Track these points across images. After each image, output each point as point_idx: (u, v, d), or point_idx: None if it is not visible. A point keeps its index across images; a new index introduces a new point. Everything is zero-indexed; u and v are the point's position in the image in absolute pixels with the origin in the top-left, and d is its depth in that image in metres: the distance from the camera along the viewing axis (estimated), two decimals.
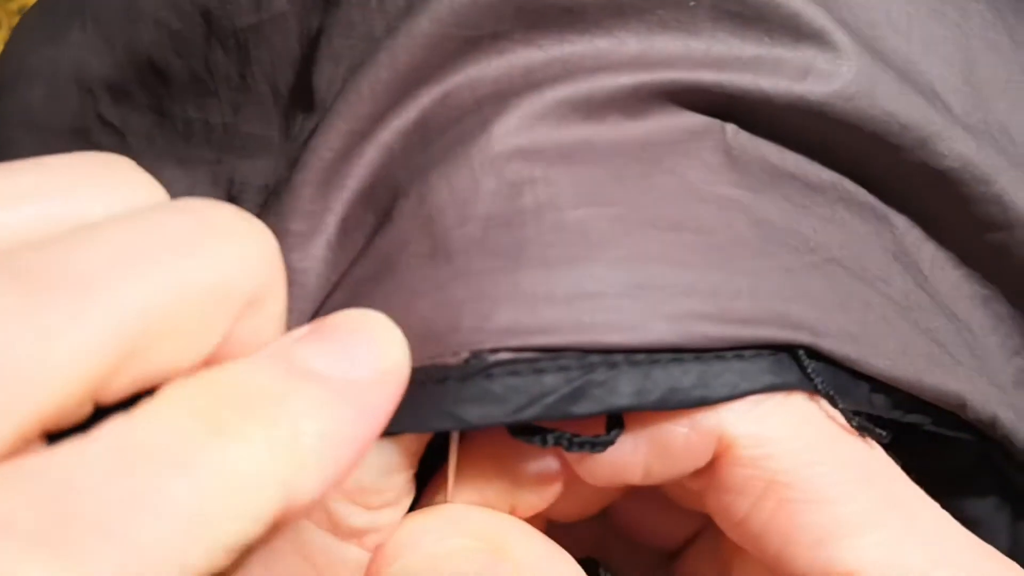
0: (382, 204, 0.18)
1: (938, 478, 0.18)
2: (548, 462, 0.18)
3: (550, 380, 0.16)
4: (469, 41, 0.18)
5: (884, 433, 0.18)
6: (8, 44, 0.27)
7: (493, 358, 0.16)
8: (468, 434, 0.18)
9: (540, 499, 0.19)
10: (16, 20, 0.50)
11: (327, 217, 0.18)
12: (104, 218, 0.14)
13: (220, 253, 0.14)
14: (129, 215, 0.14)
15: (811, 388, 0.17)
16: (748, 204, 0.18)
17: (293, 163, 0.19)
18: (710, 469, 0.18)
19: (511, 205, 0.17)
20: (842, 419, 0.17)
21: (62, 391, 0.12)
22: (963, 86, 0.20)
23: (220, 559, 0.12)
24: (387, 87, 0.18)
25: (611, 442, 0.17)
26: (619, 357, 0.16)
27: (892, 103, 0.19)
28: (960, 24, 0.21)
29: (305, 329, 0.15)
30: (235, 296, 0.14)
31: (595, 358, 0.16)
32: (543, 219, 0.17)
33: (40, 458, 0.12)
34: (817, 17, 0.19)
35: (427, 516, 0.18)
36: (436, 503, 0.19)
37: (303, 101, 0.20)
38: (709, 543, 0.21)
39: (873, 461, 0.18)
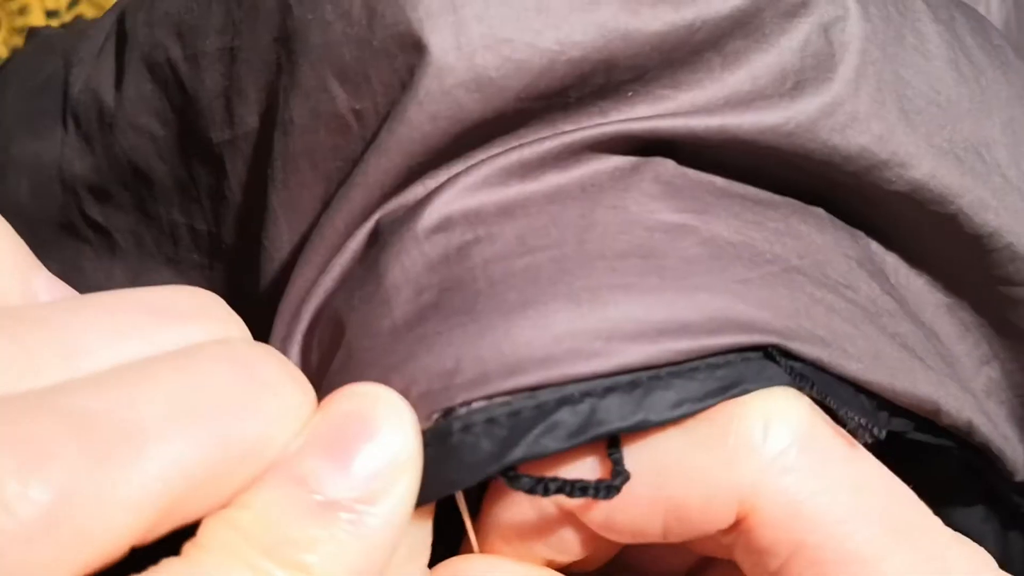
0: (344, 301, 0.19)
1: (924, 490, 0.18)
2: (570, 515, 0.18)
3: (527, 419, 0.16)
4: (430, 160, 0.19)
5: (877, 431, 0.18)
6: None
7: (465, 410, 0.16)
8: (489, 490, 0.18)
9: (571, 552, 0.18)
10: (16, 20, 0.50)
11: (293, 341, 0.19)
12: (165, 355, 0.15)
13: (264, 408, 0.15)
14: (186, 359, 0.15)
15: (789, 383, 0.17)
16: (695, 226, 0.19)
17: (273, 287, 0.20)
18: (736, 529, 0.17)
19: (460, 267, 0.18)
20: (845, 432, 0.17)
21: (104, 554, 0.13)
22: (927, 106, 0.20)
23: None
24: (355, 217, 0.19)
25: (617, 488, 0.16)
26: (593, 384, 0.16)
27: (833, 136, 0.19)
28: (918, 47, 0.21)
29: (315, 441, 0.15)
30: (274, 446, 0.15)
31: (571, 389, 0.16)
32: (491, 272, 0.17)
33: None
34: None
35: (465, 561, 0.18)
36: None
37: (282, 219, 0.21)
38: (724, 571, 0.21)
39: (902, 508, 0.17)
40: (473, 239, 0.18)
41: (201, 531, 0.14)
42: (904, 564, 0.16)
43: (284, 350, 0.19)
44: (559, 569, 0.19)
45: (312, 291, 0.19)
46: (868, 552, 0.16)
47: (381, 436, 0.15)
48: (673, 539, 0.17)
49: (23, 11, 0.52)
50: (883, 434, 0.18)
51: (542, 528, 0.18)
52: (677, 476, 0.17)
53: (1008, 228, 0.21)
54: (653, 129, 0.19)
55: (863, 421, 0.18)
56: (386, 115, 0.19)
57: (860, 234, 0.21)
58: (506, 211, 0.18)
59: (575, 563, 0.19)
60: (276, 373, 0.15)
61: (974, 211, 0.20)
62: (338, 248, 0.19)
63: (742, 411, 0.17)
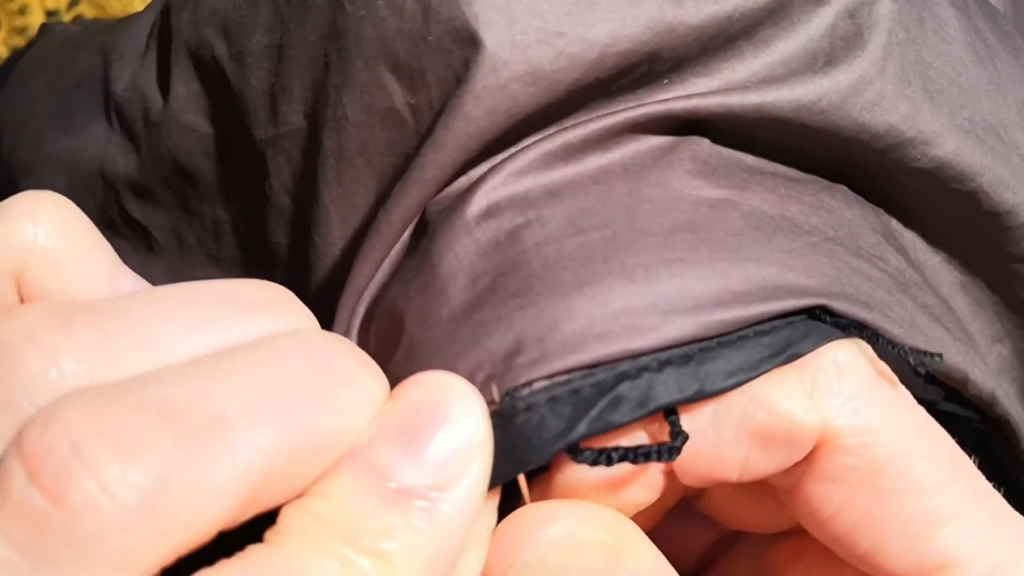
0: (399, 293, 0.19)
1: None
2: (650, 470, 0.18)
3: (587, 396, 0.17)
4: (483, 152, 0.19)
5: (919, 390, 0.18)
6: (15, 119, 0.27)
7: (528, 391, 0.17)
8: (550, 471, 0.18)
9: (643, 498, 0.19)
10: (17, 20, 0.50)
11: (351, 336, 0.20)
12: (244, 344, 0.15)
13: (340, 398, 0.15)
14: (263, 350, 0.15)
15: (841, 336, 0.18)
16: (736, 200, 0.19)
17: (326, 283, 0.20)
18: (806, 461, 0.18)
19: (513, 251, 0.18)
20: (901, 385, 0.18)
21: (193, 539, 0.14)
22: (949, 86, 0.21)
23: None
24: (411, 212, 0.20)
25: (678, 449, 0.17)
26: (648, 359, 0.17)
27: (862, 114, 0.20)
28: (938, 30, 0.21)
29: (388, 430, 0.16)
30: (349, 435, 0.16)
31: (626, 365, 0.17)
32: (545, 254, 0.18)
33: (212, 572, 0.14)
34: None
35: (547, 505, 0.18)
36: None
37: (335, 216, 0.21)
38: (747, 558, 0.21)
39: (956, 452, 0.18)
40: (523, 223, 0.19)
41: (282, 519, 0.15)
42: (961, 497, 0.17)
43: None
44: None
45: (368, 286, 0.20)
46: (930, 484, 0.17)
47: (452, 423, 0.16)
48: (747, 476, 0.18)
49: (23, 11, 0.52)
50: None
51: (607, 486, 0.18)
52: (763, 411, 0.17)
53: None
54: (692, 108, 0.20)
55: (904, 370, 0.19)
56: (441, 109, 0.19)
57: (881, 211, 0.22)
58: (553, 193, 0.19)
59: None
60: (350, 363, 0.16)
61: (993, 189, 0.21)
62: (394, 244, 0.20)
63: (818, 358, 0.18)
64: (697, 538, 0.22)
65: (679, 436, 0.17)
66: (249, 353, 0.15)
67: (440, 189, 0.20)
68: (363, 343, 0.20)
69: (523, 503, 0.18)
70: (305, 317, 0.17)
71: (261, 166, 0.22)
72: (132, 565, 0.13)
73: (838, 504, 0.18)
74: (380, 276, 0.20)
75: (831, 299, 0.18)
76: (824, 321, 0.18)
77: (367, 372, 0.16)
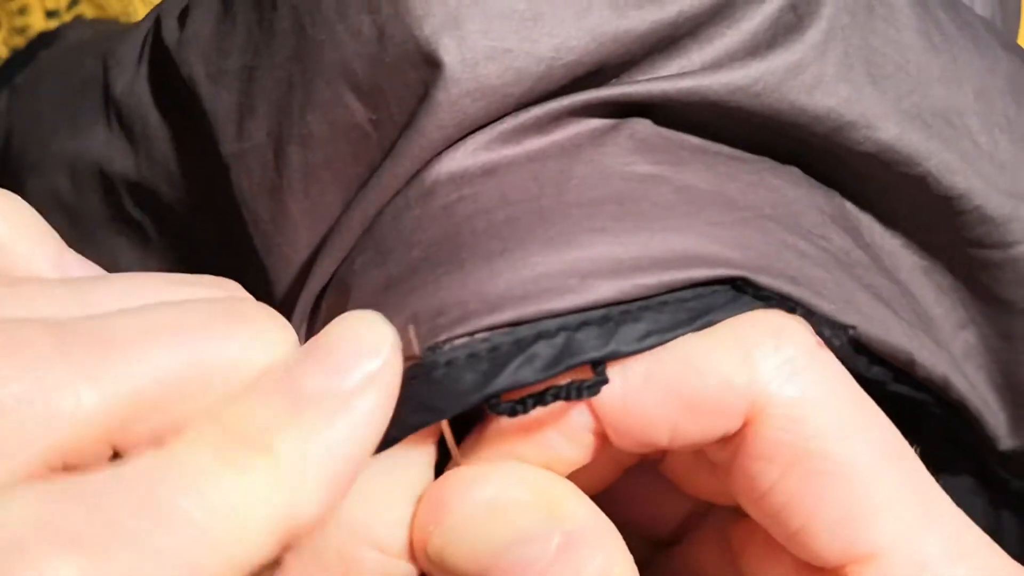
0: (347, 268, 0.20)
1: None
2: (575, 422, 0.18)
3: (505, 353, 0.17)
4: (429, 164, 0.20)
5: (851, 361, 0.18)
6: (24, 120, 0.28)
7: (448, 346, 0.18)
8: (479, 423, 0.19)
9: (574, 455, 0.18)
10: (17, 20, 0.50)
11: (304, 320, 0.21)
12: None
13: (240, 335, 0.16)
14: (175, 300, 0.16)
15: (760, 307, 0.18)
16: (669, 176, 0.20)
17: (293, 287, 0.21)
18: (739, 435, 0.18)
19: (446, 223, 0.19)
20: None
21: (74, 434, 0.14)
22: (896, 72, 0.21)
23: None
24: (369, 216, 0.21)
25: (589, 388, 0.17)
26: (569, 319, 0.17)
27: (801, 97, 0.20)
28: (887, 17, 0.22)
29: (303, 349, 0.16)
30: (250, 367, 0.16)
31: (545, 324, 0.17)
32: (474, 225, 0.19)
33: (79, 478, 0.14)
34: None
35: (478, 468, 0.18)
36: None
37: (303, 226, 0.22)
38: (715, 531, 0.21)
39: (894, 436, 0.18)
40: (457, 198, 0.19)
41: (182, 425, 0.15)
42: (894, 486, 0.17)
43: (299, 331, 0.21)
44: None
45: (323, 278, 0.21)
46: (863, 469, 0.17)
47: (358, 341, 0.16)
48: (678, 443, 0.18)
49: (23, 11, 0.53)
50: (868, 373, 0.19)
51: (531, 440, 0.18)
52: (694, 371, 0.17)
53: (978, 192, 0.22)
54: (628, 93, 0.20)
55: (837, 343, 0.19)
56: (403, 123, 0.20)
57: (835, 193, 0.22)
58: (489, 172, 0.20)
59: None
60: (256, 309, 0.16)
61: (942, 174, 0.21)
62: (351, 246, 0.21)
63: (754, 322, 0.18)
64: (670, 509, 0.22)
65: (600, 377, 0.17)
66: (168, 302, 0.16)
67: (396, 193, 0.21)
68: (313, 322, 0.21)
69: (455, 465, 0.19)
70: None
71: (226, 180, 0.23)
72: (12, 456, 0.14)
73: (770, 483, 0.17)
74: (333, 266, 0.21)
75: (753, 272, 0.18)
76: (746, 293, 0.18)
77: (272, 319, 0.16)
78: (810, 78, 0.20)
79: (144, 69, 0.25)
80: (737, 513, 0.20)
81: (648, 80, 0.20)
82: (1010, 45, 0.24)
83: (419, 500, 0.18)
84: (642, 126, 0.21)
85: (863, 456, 0.17)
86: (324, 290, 0.21)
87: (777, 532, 0.18)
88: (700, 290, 0.18)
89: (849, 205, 0.22)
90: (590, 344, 0.17)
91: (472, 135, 0.20)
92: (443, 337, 0.18)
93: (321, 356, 0.16)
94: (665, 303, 0.18)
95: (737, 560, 0.20)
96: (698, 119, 0.21)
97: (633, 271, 0.18)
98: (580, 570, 0.17)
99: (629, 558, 0.18)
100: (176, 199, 0.25)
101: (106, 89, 0.26)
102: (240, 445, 0.15)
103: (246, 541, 0.14)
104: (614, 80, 0.21)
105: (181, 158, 0.25)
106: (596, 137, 0.20)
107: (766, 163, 0.21)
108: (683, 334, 0.18)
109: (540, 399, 0.17)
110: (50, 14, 0.53)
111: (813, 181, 0.22)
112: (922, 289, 0.23)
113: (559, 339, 0.17)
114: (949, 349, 0.22)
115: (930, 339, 0.21)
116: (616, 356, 0.17)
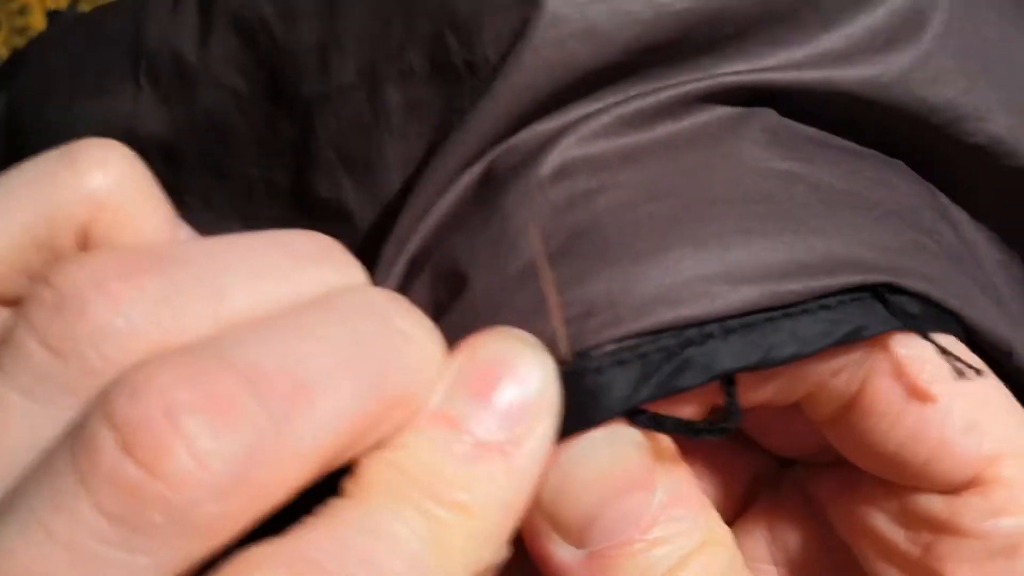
0: (462, 244, 0.19)
1: None
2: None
3: (654, 360, 0.17)
4: (537, 111, 0.20)
5: (977, 369, 0.19)
6: (36, 85, 0.27)
7: (597, 352, 0.17)
8: None
9: None
10: (17, 20, 0.49)
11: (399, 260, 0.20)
12: (312, 303, 0.16)
13: (409, 359, 0.16)
14: (332, 311, 0.16)
15: (899, 326, 0.18)
16: (803, 173, 0.20)
17: (378, 230, 0.20)
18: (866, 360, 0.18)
19: (587, 213, 0.19)
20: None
21: (291, 490, 0.14)
22: (1004, 65, 0.22)
23: None
24: (472, 155, 0.20)
25: (729, 429, 0.17)
26: (714, 327, 0.17)
27: (923, 89, 0.20)
28: (1000, 9, 0.22)
29: (463, 384, 0.16)
30: (419, 393, 0.16)
31: (692, 332, 0.17)
32: (620, 219, 0.18)
33: (302, 531, 0.15)
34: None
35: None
36: None
37: (378, 171, 0.21)
38: (791, 490, 0.21)
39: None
40: (598, 187, 0.19)
41: (362, 471, 0.15)
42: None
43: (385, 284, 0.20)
44: None
45: (416, 231, 0.20)
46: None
47: (525, 377, 0.16)
48: (780, 402, 0.19)
49: (23, 11, 0.52)
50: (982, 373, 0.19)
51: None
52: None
53: None
54: (763, 81, 0.20)
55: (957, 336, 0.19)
56: (498, 65, 0.19)
57: (934, 188, 0.22)
58: (627, 158, 0.19)
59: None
60: (412, 323, 0.16)
61: None
62: (445, 191, 0.20)
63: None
64: (742, 469, 0.22)
65: (732, 416, 0.18)
66: (319, 313, 0.16)
67: (498, 139, 0.20)
68: (408, 289, 0.20)
69: None
70: (356, 268, 0.17)
71: (307, 122, 0.22)
72: (221, 531, 0.14)
73: (887, 426, 0.18)
74: (430, 222, 0.20)
75: (894, 275, 0.18)
76: (886, 299, 0.18)
77: (427, 332, 0.16)
78: (932, 70, 0.20)
79: (184, 18, 0.24)
80: (817, 469, 0.21)
81: (781, 69, 0.20)
82: None
83: None
84: (769, 118, 0.20)
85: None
86: (424, 252, 0.20)
87: (898, 471, 0.18)
88: (842, 298, 0.18)
89: (945, 199, 0.22)
90: (739, 353, 0.17)
91: (597, 114, 0.19)
92: (592, 342, 0.17)
93: (488, 397, 0.16)
94: (808, 311, 0.18)
95: (825, 513, 0.20)
96: (823, 110, 0.21)
97: (782, 277, 0.18)
98: (680, 529, 0.17)
99: (725, 528, 0.18)
100: (215, 156, 0.24)
101: (136, 44, 0.25)
102: (431, 499, 0.15)
103: None
104: (730, 50, 0.20)
105: (230, 111, 0.23)
106: (729, 128, 0.20)
107: (879, 158, 0.21)
108: (828, 346, 0.18)
109: (681, 427, 0.17)
110: (50, 14, 0.52)
111: (917, 176, 0.22)
112: (1002, 282, 0.23)
113: (708, 347, 0.17)
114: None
115: (1020, 331, 0.21)
116: (764, 365, 0.17)
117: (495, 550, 0.16)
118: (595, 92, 0.20)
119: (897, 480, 0.19)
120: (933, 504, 0.18)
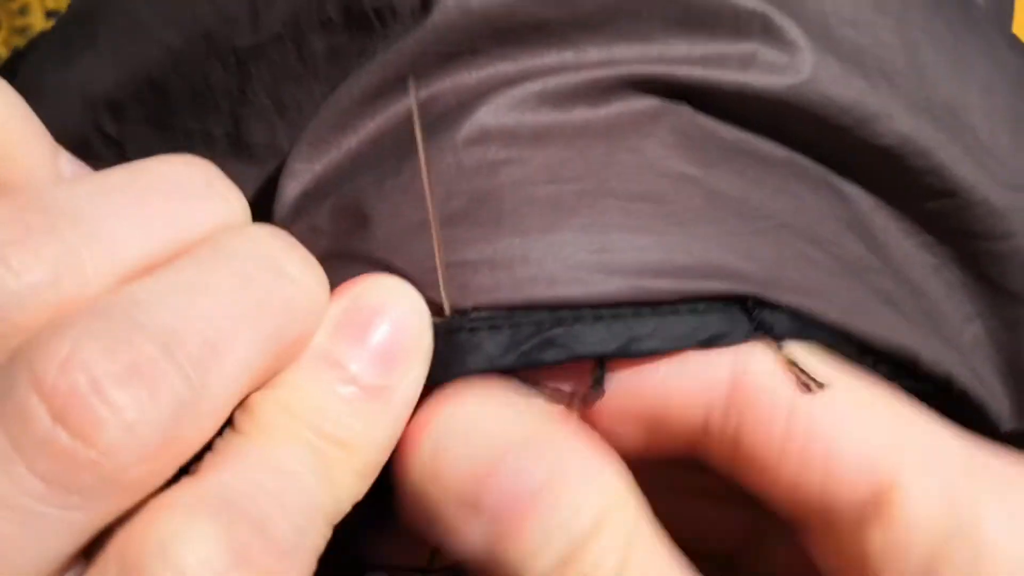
0: (372, 184, 0.20)
1: None
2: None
3: (525, 332, 0.18)
4: (450, 56, 0.21)
5: (820, 383, 0.19)
6: (24, 69, 0.28)
7: (474, 314, 0.19)
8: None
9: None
10: (17, 20, 0.50)
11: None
12: (203, 249, 0.17)
13: (297, 305, 0.17)
14: (223, 259, 0.17)
15: (757, 337, 0.19)
16: (701, 178, 0.20)
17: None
18: (730, 401, 0.18)
19: (490, 182, 0.20)
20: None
21: (205, 442, 0.16)
22: (906, 69, 0.22)
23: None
24: (375, 88, 0.21)
25: (599, 395, 0.19)
26: (585, 312, 0.19)
27: (831, 88, 0.21)
28: (900, 15, 0.22)
29: (345, 328, 0.18)
30: (309, 337, 0.17)
31: (564, 313, 0.19)
32: (518, 194, 0.19)
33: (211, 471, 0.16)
34: (757, 14, 0.21)
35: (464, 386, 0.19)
36: None
37: (308, 113, 0.22)
38: (787, 543, 0.21)
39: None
40: (505, 159, 0.20)
41: (255, 409, 0.17)
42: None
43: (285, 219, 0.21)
44: None
45: (309, 163, 0.21)
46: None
47: (402, 324, 0.18)
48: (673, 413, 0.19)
49: (23, 11, 0.53)
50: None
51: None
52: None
53: (984, 184, 0.22)
54: (675, 75, 0.21)
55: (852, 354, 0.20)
56: (404, 14, 0.20)
57: (852, 197, 0.23)
58: (538, 138, 0.20)
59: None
60: (300, 268, 0.17)
61: (954, 164, 0.22)
62: (342, 126, 0.21)
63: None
64: (728, 523, 0.22)
65: (598, 388, 0.19)
66: (213, 262, 0.17)
67: (399, 79, 0.21)
68: (304, 213, 0.21)
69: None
70: (236, 197, 0.18)
71: (243, 73, 0.23)
72: (148, 486, 0.15)
73: (782, 429, 0.18)
74: (336, 155, 0.21)
75: (764, 288, 0.19)
76: (751, 312, 0.19)
77: (312, 274, 0.18)
78: (833, 71, 0.21)
79: None
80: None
81: (696, 66, 0.21)
82: (1016, 45, 0.26)
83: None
84: (681, 117, 0.21)
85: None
86: (329, 183, 0.21)
87: (808, 508, 0.18)
88: (714, 304, 0.19)
89: (865, 208, 0.23)
90: (602, 339, 0.18)
91: (518, 84, 0.20)
92: (471, 303, 0.19)
93: (367, 341, 0.17)
94: (676, 312, 0.19)
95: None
96: (734, 110, 0.21)
97: (655, 275, 0.19)
98: (575, 495, 0.17)
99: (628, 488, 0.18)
100: (156, 111, 0.25)
101: (94, 4, 0.26)
102: (318, 437, 0.17)
103: (321, 534, 0.17)
104: (627, 31, 0.21)
105: (165, 66, 0.24)
106: (641, 123, 0.21)
107: (792, 166, 0.22)
108: (686, 347, 0.19)
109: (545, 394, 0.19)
110: (50, 14, 0.53)
111: (834, 183, 0.23)
112: (933, 287, 0.24)
113: (575, 328, 0.18)
114: (957, 344, 0.23)
115: (937, 337, 0.22)
116: (624, 355, 0.19)
117: (366, 486, 0.17)
118: (507, 48, 0.21)
119: (817, 522, 0.18)
120: (859, 545, 0.18)
